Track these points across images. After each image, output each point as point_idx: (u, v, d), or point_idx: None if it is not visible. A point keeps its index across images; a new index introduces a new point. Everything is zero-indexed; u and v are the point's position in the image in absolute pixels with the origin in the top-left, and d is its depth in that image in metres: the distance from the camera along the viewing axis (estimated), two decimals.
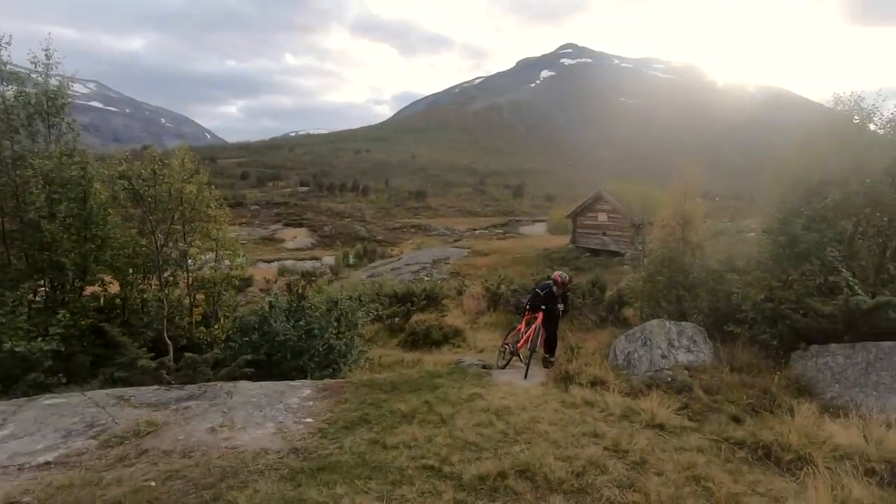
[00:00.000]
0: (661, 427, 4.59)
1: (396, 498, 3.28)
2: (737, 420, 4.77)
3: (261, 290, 28.57)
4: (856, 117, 7.29)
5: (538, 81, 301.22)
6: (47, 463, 3.74)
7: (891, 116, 7.15)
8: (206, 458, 3.77)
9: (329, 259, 48.64)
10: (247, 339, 7.15)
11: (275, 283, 32.95)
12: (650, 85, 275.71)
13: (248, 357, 6.45)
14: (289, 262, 44.63)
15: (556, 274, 7.33)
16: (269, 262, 44.14)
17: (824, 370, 5.67)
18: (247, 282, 27.12)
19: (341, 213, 73.73)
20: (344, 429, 4.31)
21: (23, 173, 6.88)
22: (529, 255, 31.86)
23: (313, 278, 29.74)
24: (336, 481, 3.45)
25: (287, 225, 65.37)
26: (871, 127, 7.32)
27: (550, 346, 7.18)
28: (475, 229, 67.39)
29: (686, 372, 5.70)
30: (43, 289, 7.30)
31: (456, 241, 51.43)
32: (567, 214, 35.51)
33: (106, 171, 7.26)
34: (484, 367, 7.02)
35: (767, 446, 4.18)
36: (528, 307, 7.37)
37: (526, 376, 6.32)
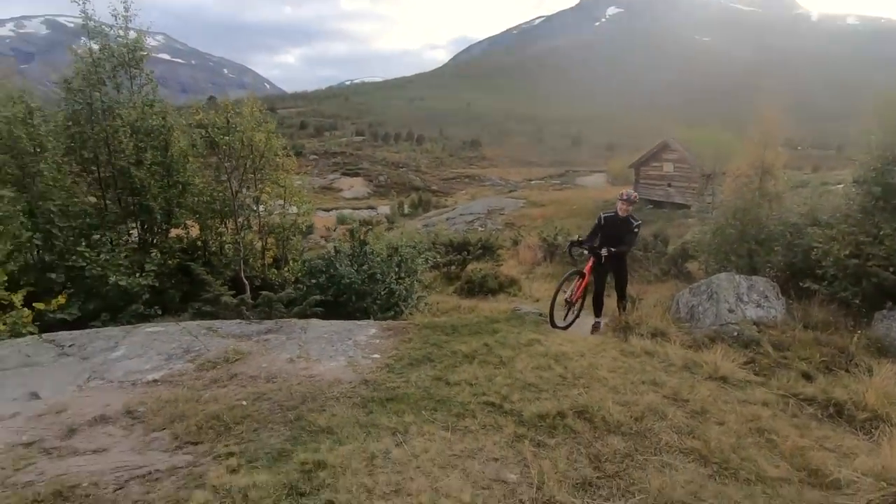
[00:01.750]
0: (724, 380, 4.54)
1: (461, 428, 3.51)
2: (807, 377, 4.62)
3: (321, 237, 29.85)
4: None
5: (604, 19, 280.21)
6: (155, 381, 4.28)
7: None
8: (287, 384, 4.17)
9: (384, 208, 49.70)
10: (314, 281, 7.59)
11: (334, 230, 34.27)
12: (730, 19, 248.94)
13: (318, 297, 6.88)
14: (346, 211, 46.05)
15: (623, 191, 6.30)
16: (327, 210, 45.72)
17: None
18: (308, 229, 28.42)
19: (396, 163, 74.19)
20: (409, 365, 4.58)
21: (112, 123, 7.41)
22: (587, 206, 30.95)
23: (370, 227, 30.57)
24: (404, 410, 3.73)
25: (344, 174, 66.87)
26: None
27: (619, 294, 6.43)
28: (531, 180, 65.99)
29: (754, 327, 5.51)
30: (135, 230, 8.03)
31: (510, 191, 50.74)
32: (630, 164, 33.90)
33: (184, 121, 7.70)
34: (541, 315, 7.08)
35: (840, 404, 4.04)
36: (585, 246, 6.22)
37: (555, 324, 5.93)
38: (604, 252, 5.82)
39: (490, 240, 15.64)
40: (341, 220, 38.37)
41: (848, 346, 5.11)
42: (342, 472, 2.94)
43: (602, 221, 6.21)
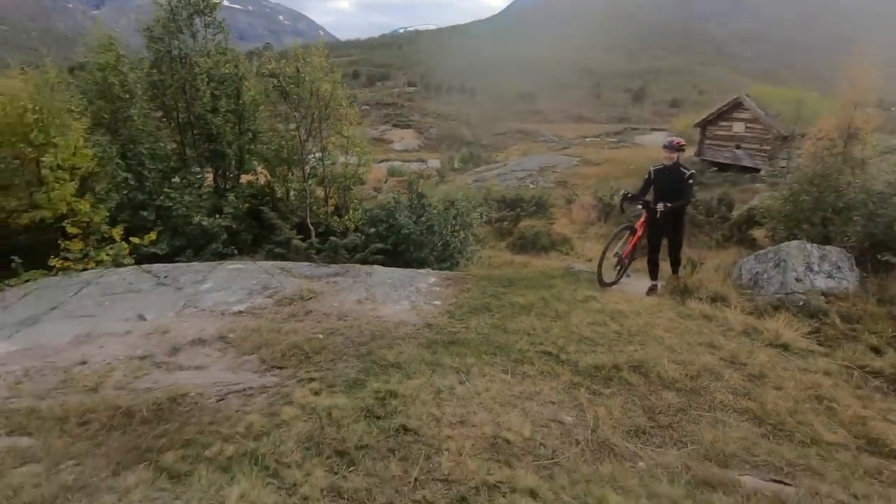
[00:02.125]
0: (785, 347, 4.50)
1: (519, 373, 3.74)
2: (876, 350, 4.50)
3: (373, 188, 30.30)
4: None
5: None
6: (240, 312, 4.75)
7: None
8: (357, 322, 4.52)
9: (435, 162, 49.40)
10: (374, 230, 7.91)
11: (385, 182, 34.64)
12: None
13: (379, 245, 7.20)
14: (397, 164, 46.12)
15: (665, 139, 5.93)
16: (378, 162, 45.87)
17: None
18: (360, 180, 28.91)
19: (447, 116, 72.99)
20: (469, 313, 4.82)
21: (190, 70, 7.78)
22: (645, 166, 29.52)
23: (421, 179, 30.65)
24: (466, 353, 3.98)
25: (395, 126, 66.56)
26: None
27: (672, 257, 6.15)
28: (586, 137, 63.31)
29: (822, 298, 5.34)
30: (210, 175, 8.56)
31: (563, 148, 49.03)
32: (695, 123, 31.80)
33: (254, 69, 7.98)
34: (595, 273, 7.10)
35: None
36: (639, 201, 5.97)
37: (602, 280, 5.82)
38: (660, 207, 5.49)
39: (543, 197, 15.46)
40: (392, 173, 38.62)
41: None
42: (412, 402, 3.24)
43: (652, 175, 5.91)
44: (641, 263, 6.74)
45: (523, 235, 11.66)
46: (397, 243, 7.61)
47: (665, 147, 5.88)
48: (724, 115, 28.79)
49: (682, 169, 5.78)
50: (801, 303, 5.28)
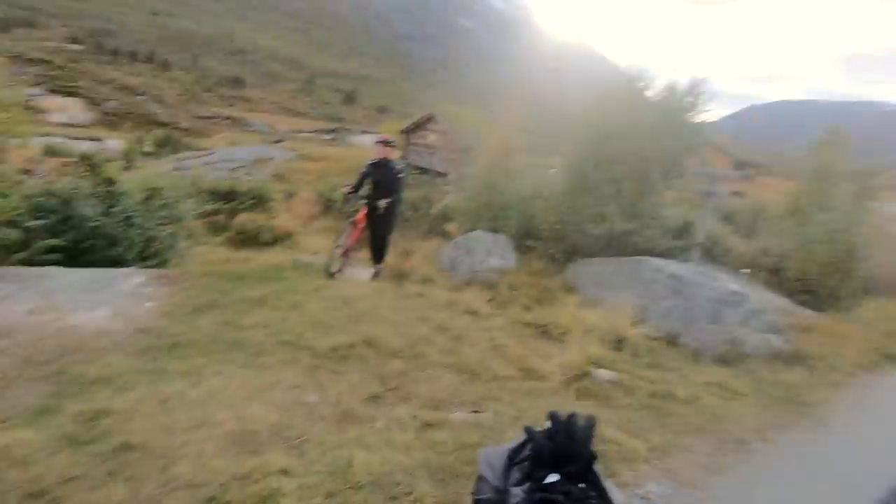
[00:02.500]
0: (475, 313, 5.77)
1: (258, 365, 3.67)
2: (527, 308, 6.26)
3: (23, 171, 22.71)
4: (640, 83, 9.16)
5: None
6: None
7: (666, 84, 9.15)
8: (33, 337, 3.52)
9: (115, 142, 40.51)
10: (41, 222, 6.13)
11: (41, 163, 26.43)
12: (493, 13, 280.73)
13: (53, 242, 5.63)
14: (58, 140, 35.82)
15: (377, 138, 6.85)
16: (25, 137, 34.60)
17: (587, 276, 7.62)
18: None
19: (133, 88, 60.99)
20: (193, 312, 4.37)
21: None
22: (360, 164, 31.70)
23: (98, 164, 24.70)
24: (194, 355, 3.64)
25: (53, 91, 51.66)
26: (649, 93, 9.29)
27: (379, 250, 6.76)
28: (301, 131, 63.20)
29: (496, 274, 7.05)
30: None
31: (278, 141, 47.74)
32: (401, 130, 35.90)
33: None
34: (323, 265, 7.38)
35: (545, 325, 5.69)
36: (361, 196, 6.55)
37: (330, 272, 6.24)
38: (382, 204, 6.29)
39: (262, 190, 14.81)
40: (52, 152, 29.77)
41: (551, 286, 7.06)
42: (132, 417, 2.82)
43: (368, 169, 6.64)
44: (364, 253, 7.39)
45: (244, 230, 10.95)
46: (80, 239, 6.08)
47: (377, 143, 6.80)
48: (422, 126, 33.50)
49: (393, 164, 6.72)
50: (484, 278, 6.83)
